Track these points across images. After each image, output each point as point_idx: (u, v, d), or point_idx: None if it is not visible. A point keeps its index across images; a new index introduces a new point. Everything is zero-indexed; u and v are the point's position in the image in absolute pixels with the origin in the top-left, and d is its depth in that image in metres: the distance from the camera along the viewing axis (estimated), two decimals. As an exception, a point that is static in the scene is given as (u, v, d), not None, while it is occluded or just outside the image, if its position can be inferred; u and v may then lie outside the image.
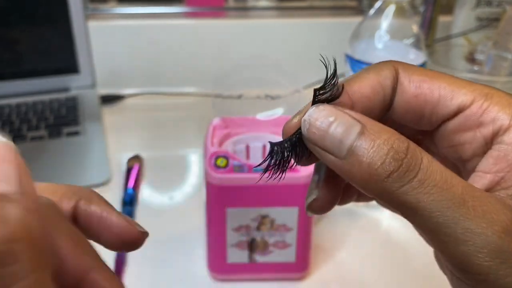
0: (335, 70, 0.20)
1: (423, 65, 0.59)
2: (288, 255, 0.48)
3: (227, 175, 0.43)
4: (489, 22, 0.83)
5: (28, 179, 0.15)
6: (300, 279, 0.50)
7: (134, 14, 0.94)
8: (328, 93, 0.19)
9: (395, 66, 0.20)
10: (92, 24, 0.82)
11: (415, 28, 0.59)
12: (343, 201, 0.24)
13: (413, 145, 0.17)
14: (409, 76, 0.20)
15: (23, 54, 0.80)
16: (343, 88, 0.20)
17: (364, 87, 0.20)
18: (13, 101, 0.78)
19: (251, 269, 0.48)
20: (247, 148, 0.50)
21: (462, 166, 0.21)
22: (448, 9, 0.86)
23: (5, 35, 0.79)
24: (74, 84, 0.82)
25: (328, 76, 0.19)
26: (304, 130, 0.19)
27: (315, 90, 0.19)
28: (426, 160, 0.17)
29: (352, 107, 0.19)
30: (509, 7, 0.77)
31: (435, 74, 0.20)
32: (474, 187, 0.17)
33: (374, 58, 0.58)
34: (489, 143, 0.19)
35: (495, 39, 0.75)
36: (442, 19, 0.82)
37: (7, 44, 0.79)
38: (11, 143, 0.15)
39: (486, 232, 0.16)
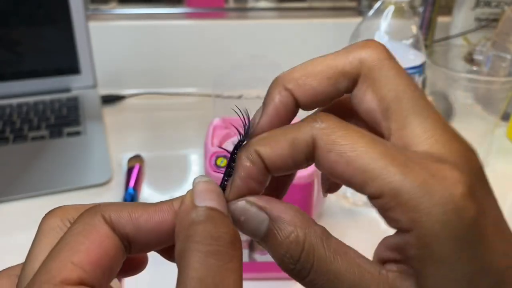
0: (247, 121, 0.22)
1: (422, 66, 0.60)
2: (287, 254, 0.48)
3: (227, 174, 0.43)
4: (488, 23, 0.83)
5: (225, 202, 0.20)
6: (299, 278, 0.50)
7: (134, 15, 0.94)
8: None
9: (314, 134, 0.19)
10: (93, 25, 0.82)
11: (414, 29, 0.60)
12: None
13: (308, 243, 0.19)
14: (325, 154, 0.19)
15: (24, 54, 0.80)
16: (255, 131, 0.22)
17: (275, 159, 0.20)
18: (14, 101, 0.78)
19: (251, 269, 0.49)
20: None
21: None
22: (447, 10, 0.86)
23: (6, 36, 0.79)
24: (75, 85, 0.82)
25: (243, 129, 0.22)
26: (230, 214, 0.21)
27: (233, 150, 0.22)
28: (320, 254, 0.19)
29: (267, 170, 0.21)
30: (507, 8, 0.78)
31: (352, 154, 0.18)
32: (361, 267, 0.19)
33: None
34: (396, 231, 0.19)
35: (494, 39, 0.76)
36: (441, 19, 0.83)
37: (8, 45, 0.80)
38: (214, 182, 0.21)
39: None
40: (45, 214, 0.22)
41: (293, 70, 0.23)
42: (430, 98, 0.71)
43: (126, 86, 0.89)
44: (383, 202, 0.18)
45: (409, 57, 0.59)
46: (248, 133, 0.21)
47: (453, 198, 0.17)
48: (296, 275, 0.20)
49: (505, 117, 0.74)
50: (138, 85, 0.89)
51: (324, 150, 0.19)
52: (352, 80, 0.21)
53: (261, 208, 0.20)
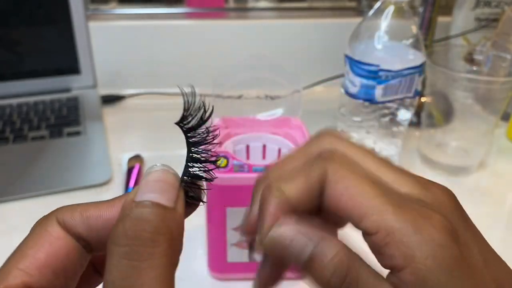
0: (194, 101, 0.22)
1: (422, 66, 0.60)
2: (287, 254, 0.48)
3: (227, 174, 0.43)
4: (488, 23, 0.83)
5: (181, 202, 0.20)
6: (299, 278, 0.50)
7: (134, 15, 0.94)
8: (194, 121, 0.22)
9: (327, 167, 0.22)
10: (93, 25, 0.82)
11: (414, 29, 0.60)
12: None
13: (352, 264, 0.20)
14: (333, 186, 0.21)
15: (24, 54, 0.80)
16: (209, 111, 0.22)
17: (299, 194, 0.22)
18: (14, 101, 0.78)
19: (251, 269, 0.49)
20: (247, 148, 0.50)
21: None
22: (447, 10, 0.86)
23: (6, 36, 0.79)
24: (75, 85, 0.82)
25: (188, 106, 0.22)
26: (266, 242, 0.22)
27: (179, 125, 0.22)
28: (365, 274, 0.20)
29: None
30: (507, 8, 0.78)
31: (356, 190, 0.21)
32: None
33: (373, 59, 0.58)
34: (386, 269, 0.20)
35: (494, 39, 0.76)
36: (441, 19, 0.83)
37: (8, 45, 0.80)
38: (177, 174, 0.21)
39: None
40: (43, 216, 0.22)
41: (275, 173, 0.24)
42: (430, 98, 0.71)
43: (126, 86, 0.89)
44: (379, 237, 0.20)
45: (409, 57, 0.59)
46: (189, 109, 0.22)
47: (439, 236, 0.19)
48: None
49: (505, 117, 0.74)
50: (138, 85, 0.89)
51: (333, 182, 0.21)
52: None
53: (303, 234, 0.21)
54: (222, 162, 0.44)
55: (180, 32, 0.90)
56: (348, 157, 0.22)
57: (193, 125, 0.21)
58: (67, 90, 0.82)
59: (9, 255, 0.20)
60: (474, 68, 0.76)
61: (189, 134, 0.21)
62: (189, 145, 0.21)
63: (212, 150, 0.21)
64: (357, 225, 0.21)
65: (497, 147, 0.75)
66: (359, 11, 0.99)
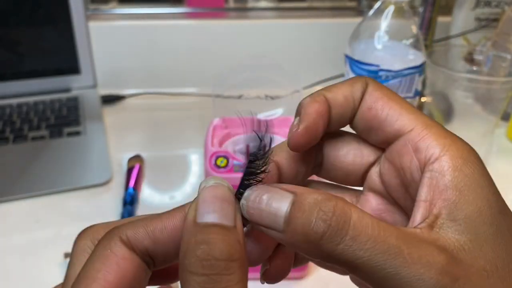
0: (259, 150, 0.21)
1: (422, 66, 0.60)
2: (287, 254, 0.48)
3: (227, 175, 0.43)
4: (488, 23, 0.83)
5: (238, 217, 0.20)
6: (299, 278, 0.50)
7: (134, 15, 0.94)
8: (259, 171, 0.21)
9: (366, 80, 0.23)
10: (93, 25, 0.82)
11: (414, 29, 0.60)
12: (296, 264, 0.26)
13: (341, 203, 0.18)
14: (371, 91, 0.22)
15: (24, 54, 0.80)
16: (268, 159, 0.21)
17: (338, 95, 0.23)
18: (14, 101, 0.78)
19: (250, 268, 0.49)
20: (247, 148, 0.50)
21: (407, 194, 0.22)
22: (447, 10, 0.86)
23: (6, 36, 0.79)
24: (75, 85, 0.82)
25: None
26: (244, 213, 0.20)
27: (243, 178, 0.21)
28: (356, 215, 0.18)
29: (328, 112, 0.22)
30: (508, 8, 0.78)
31: (394, 96, 0.22)
32: (407, 233, 0.18)
33: (373, 59, 0.58)
34: (422, 169, 0.20)
35: (494, 39, 0.76)
36: (441, 19, 0.83)
37: (8, 45, 0.80)
38: (231, 187, 0.20)
39: (424, 278, 0.17)
40: (77, 236, 0.22)
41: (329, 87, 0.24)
42: (430, 98, 0.71)
43: (126, 86, 0.89)
44: (415, 133, 0.21)
45: (409, 57, 0.59)
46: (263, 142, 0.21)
47: (470, 146, 0.20)
48: (330, 241, 0.18)
49: (505, 117, 0.74)
50: (138, 85, 0.89)
51: (373, 88, 0.22)
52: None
53: (284, 189, 0.19)
54: (222, 162, 0.44)
55: (180, 32, 0.90)
56: None
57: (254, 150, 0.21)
58: (67, 90, 0.82)
59: (73, 282, 0.19)
60: (474, 68, 0.77)
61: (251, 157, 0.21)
62: (247, 164, 0.21)
63: (265, 164, 0.21)
64: (392, 125, 0.21)
65: (497, 147, 0.75)
66: (359, 11, 0.99)
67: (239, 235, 0.19)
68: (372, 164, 0.24)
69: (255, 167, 0.21)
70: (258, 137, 0.21)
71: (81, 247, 0.21)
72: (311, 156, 0.24)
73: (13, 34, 0.79)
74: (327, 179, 0.25)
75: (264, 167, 0.21)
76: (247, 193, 0.20)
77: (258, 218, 0.19)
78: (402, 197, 0.23)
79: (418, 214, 0.20)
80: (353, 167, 0.24)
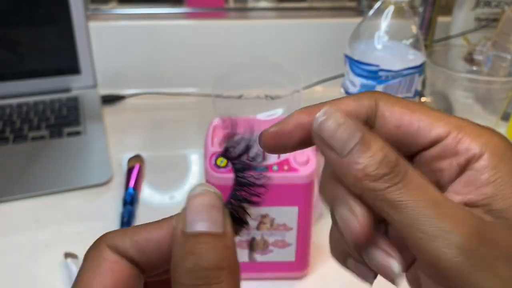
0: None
1: (422, 66, 0.60)
2: (288, 254, 0.48)
3: (227, 174, 0.43)
4: (488, 23, 0.83)
5: (228, 221, 0.20)
6: (299, 278, 0.50)
7: (134, 15, 0.94)
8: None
9: (376, 96, 0.22)
10: (93, 25, 0.82)
11: (414, 29, 0.60)
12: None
13: (401, 157, 0.20)
14: (390, 108, 0.22)
15: (24, 54, 0.80)
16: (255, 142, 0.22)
17: (341, 109, 0.22)
18: (14, 101, 0.78)
19: (251, 268, 0.49)
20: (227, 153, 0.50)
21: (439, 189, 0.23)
22: (447, 10, 0.86)
23: (6, 36, 0.79)
24: (75, 85, 0.82)
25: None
26: (315, 126, 0.21)
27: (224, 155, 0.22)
28: (411, 169, 0.20)
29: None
30: (508, 8, 0.78)
31: (415, 106, 0.22)
32: (447, 197, 0.20)
33: (373, 59, 0.58)
34: (463, 169, 0.21)
35: (494, 39, 0.76)
36: (441, 19, 0.83)
37: (8, 45, 0.80)
38: (219, 192, 0.20)
39: (455, 231, 0.18)
40: (90, 247, 0.22)
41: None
42: (430, 98, 0.71)
43: (126, 86, 0.89)
44: (451, 138, 0.21)
45: (409, 57, 0.59)
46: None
47: (504, 137, 0.21)
48: (386, 182, 0.19)
49: (505, 117, 0.74)
50: (138, 85, 0.89)
51: (389, 104, 0.22)
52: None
53: (353, 122, 0.20)
54: (222, 162, 0.44)
55: (180, 32, 0.90)
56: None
57: (239, 153, 0.21)
58: (67, 90, 0.82)
59: None
60: (474, 68, 0.77)
61: (235, 161, 0.21)
62: (236, 171, 0.21)
63: (259, 174, 0.21)
64: (426, 137, 0.21)
65: (497, 147, 0.75)
66: (359, 11, 0.99)
67: (228, 241, 0.19)
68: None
69: (245, 178, 0.21)
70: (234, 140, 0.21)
71: (91, 255, 0.21)
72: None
73: (13, 34, 0.79)
74: None
75: (257, 178, 0.21)
76: (322, 111, 0.21)
77: (327, 137, 0.20)
78: None
79: None
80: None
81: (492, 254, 0.18)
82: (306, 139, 0.22)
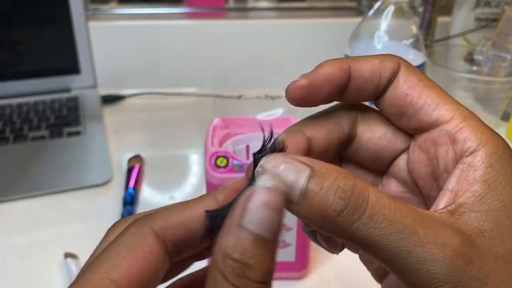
0: (271, 134, 0.20)
1: (422, 66, 0.60)
2: (287, 255, 0.48)
3: (227, 174, 0.43)
4: (488, 23, 0.83)
5: (280, 228, 0.18)
6: (299, 278, 0.50)
7: (134, 15, 0.94)
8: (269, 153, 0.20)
9: (399, 61, 0.22)
10: (93, 25, 0.82)
11: (414, 29, 0.60)
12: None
13: (359, 182, 0.18)
14: (407, 76, 0.21)
15: (24, 54, 0.80)
16: (284, 144, 0.21)
17: (365, 68, 0.22)
18: (14, 101, 0.78)
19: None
20: (247, 148, 0.50)
21: (434, 184, 0.22)
22: (447, 10, 0.86)
23: (6, 36, 0.79)
24: (75, 85, 0.82)
25: (265, 140, 0.20)
26: (258, 181, 0.19)
27: (254, 155, 0.20)
28: (374, 195, 0.18)
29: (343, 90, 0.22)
30: (507, 8, 0.78)
31: (431, 83, 0.21)
32: (425, 214, 0.18)
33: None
34: (457, 160, 0.20)
35: (494, 39, 0.76)
36: (441, 19, 0.83)
37: (8, 45, 0.80)
38: (286, 190, 0.18)
39: (438, 258, 0.17)
40: (112, 225, 0.21)
41: None
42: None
43: (126, 86, 0.89)
44: (453, 124, 0.20)
45: (409, 57, 0.59)
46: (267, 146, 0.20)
47: (505, 141, 0.20)
48: (347, 218, 0.17)
49: (505, 117, 0.74)
50: (138, 85, 0.89)
51: (408, 72, 0.21)
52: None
53: (300, 161, 0.18)
54: (222, 162, 0.44)
55: (180, 32, 0.90)
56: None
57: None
58: (67, 90, 0.82)
59: (95, 257, 0.18)
60: (474, 68, 0.77)
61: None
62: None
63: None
64: (429, 115, 0.21)
65: (497, 147, 0.75)
66: (359, 11, 0.99)
67: (275, 251, 0.18)
68: (402, 151, 0.23)
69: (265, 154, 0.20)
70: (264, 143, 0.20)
71: (117, 227, 0.20)
72: (343, 134, 0.23)
73: (14, 34, 0.79)
74: (353, 159, 0.25)
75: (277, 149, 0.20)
76: (263, 161, 0.19)
77: (277, 196, 0.18)
78: (428, 186, 0.22)
79: (442, 202, 0.20)
80: (384, 152, 0.23)
81: (482, 270, 0.17)
82: (335, 93, 0.22)
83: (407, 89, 0.21)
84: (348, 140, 0.23)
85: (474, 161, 0.19)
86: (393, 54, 0.23)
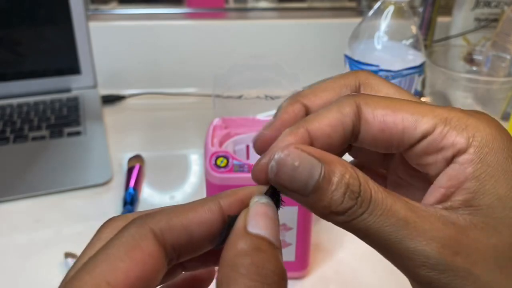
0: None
1: (421, 66, 0.60)
2: (287, 254, 0.48)
3: (227, 174, 0.43)
4: (488, 23, 0.83)
5: (278, 231, 0.20)
6: (299, 277, 0.50)
7: (135, 15, 0.94)
8: None
9: (356, 101, 0.21)
10: (93, 25, 0.82)
11: (414, 29, 0.60)
12: None
13: (363, 180, 0.19)
14: (372, 111, 0.21)
15: (24, 54, 0.81)
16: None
17: (324, 125, 0.21)
18: (15, 101, 0.78)
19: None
20: (247, 148, 0.50)
21: (426, 184, 0.22)
22: (447, 10, 0.86)
23: (7, 36, 0.79)
24: (76, 85, 0.82)
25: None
26: (271, 175, 0.20)
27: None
28: (374, 191, 0.19)
29: (311, 144, 0.21)
30: (507, 8, 0.78)
31: (397, 104, 0.21)
32: (417, 208, 0.19)
33: (373, 59, 0.58)
34: (450, 163, 0.20)
35: (493, 39, 0.76)
36: (441, 20, 0.83)
37: (9, 45, 0.80)
38: (273, 204, 0.21)
39: (426, 249, 0.18)
40: (102, 225, 0.21)
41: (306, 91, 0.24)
42: (430, 98, 0.71)
43: (126, 86, 0.89)
44: (437, 132, 0.20)
45: (408, 57, 0.59)
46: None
47: (491, 119, 0.20)
48: (351, 215, 0.19)
49: (505, 117, 0.74)
50: (138, 85, 0.89)
51: (371, 108, 0.21)
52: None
53: (312, 155, 0.19)
54: (222, 162, 0.44)
55: (180, 32, 0.90)
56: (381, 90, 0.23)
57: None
58: (67, 90, 0.82)
59: (90, 257, 0.18)
60: (474, 68, 0.77)
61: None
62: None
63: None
64: (412, 135, 0.20)
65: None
66: (359, 11, 0.99)
67: (281, 258, 0.19)
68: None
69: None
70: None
71: (110, 225, 0.20)
72: (347, 133, 0.23)
73: (14, 34, 0.79)
74: (352, 156, 0.26)
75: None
76: (277, 155, 0.20)
77: (287, 183, 0.20)
78: (421, 187, 0.23)
79: (432, 197, 0.20)
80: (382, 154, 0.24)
81: (469, 261, 0.18)
82: None
83: (380, 124, 0.21)
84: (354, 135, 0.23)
85: (463, 159, 0.20)
86: (352, 73, 0.23)
